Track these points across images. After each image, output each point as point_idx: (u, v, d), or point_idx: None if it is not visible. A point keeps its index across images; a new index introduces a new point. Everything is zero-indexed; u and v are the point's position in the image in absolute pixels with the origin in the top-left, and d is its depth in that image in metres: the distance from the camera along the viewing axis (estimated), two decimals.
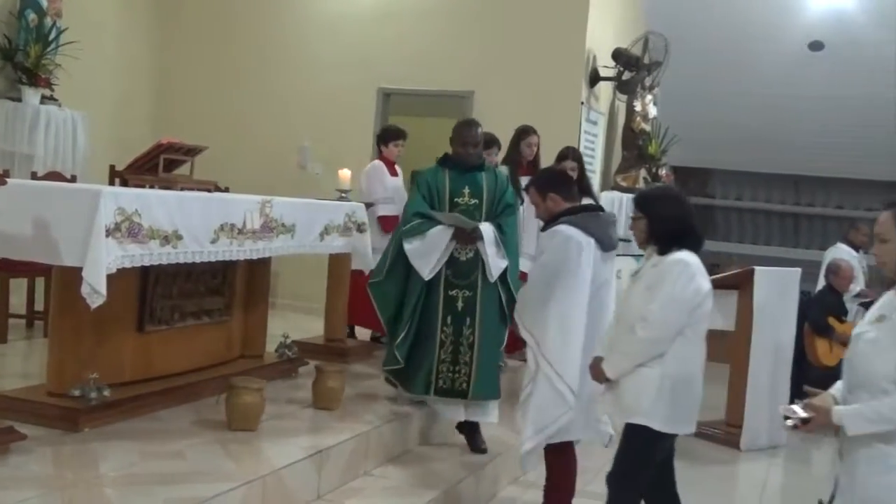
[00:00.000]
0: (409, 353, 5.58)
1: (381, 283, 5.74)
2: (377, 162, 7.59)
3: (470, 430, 5.73)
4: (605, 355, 4.28)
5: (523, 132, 7.45)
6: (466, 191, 5.59)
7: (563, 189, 4.79)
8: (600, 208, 5.09)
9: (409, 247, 5.51)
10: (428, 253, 5.49)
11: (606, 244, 4.68)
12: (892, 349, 2.97)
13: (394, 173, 7.51)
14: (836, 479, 3.14)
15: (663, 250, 4.07)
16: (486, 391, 5.53)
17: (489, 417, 5.65)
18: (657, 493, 4.30)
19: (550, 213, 4.73)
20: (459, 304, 5.52)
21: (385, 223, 7.13)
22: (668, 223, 4.09)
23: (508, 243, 5.56)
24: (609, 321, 4.58)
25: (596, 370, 4.26)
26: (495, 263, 5.48)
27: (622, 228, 7.57)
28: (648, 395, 4.01)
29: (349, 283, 6.99)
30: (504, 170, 6.63)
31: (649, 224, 4.12)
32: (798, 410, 3.06)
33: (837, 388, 3.19)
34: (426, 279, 5.50)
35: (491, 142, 6.99)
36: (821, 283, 8.55)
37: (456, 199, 5.57)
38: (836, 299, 8.00)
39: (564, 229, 4.59)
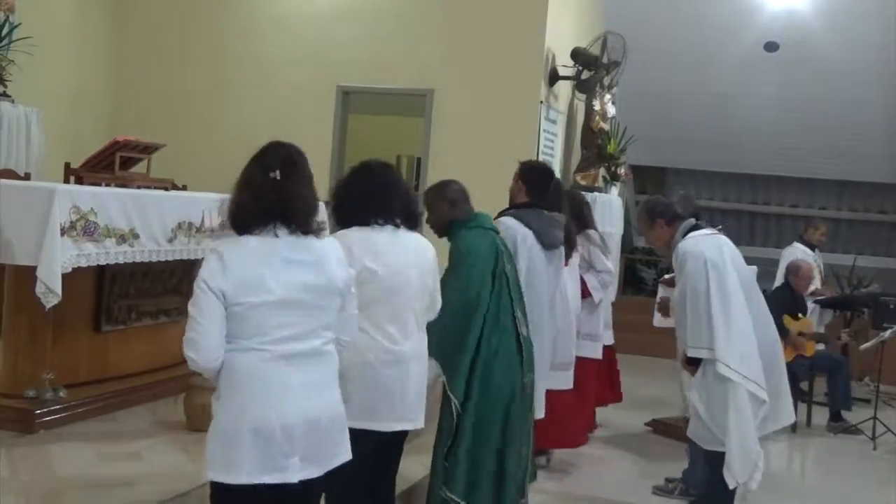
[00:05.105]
0: None
1: None
2: None
3: None
4: None
5: None
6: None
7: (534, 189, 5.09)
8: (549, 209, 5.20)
9: None
10: None
11: (547, 241, 4.93)
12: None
13: None
14: None
15: (340, 228, 3.78)
16: None
17: None
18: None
19: (512, 200, 5.12)
20: None
21: None
22: (340, 201, 3.81)
23: None
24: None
25: None
26: None
27: None
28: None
29: None
30: None
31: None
32: None
33: None
34: None
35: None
36: (778, 282, 8.65)
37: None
38: (791, 297, 8.10)
39: (505, 220, 4.91)
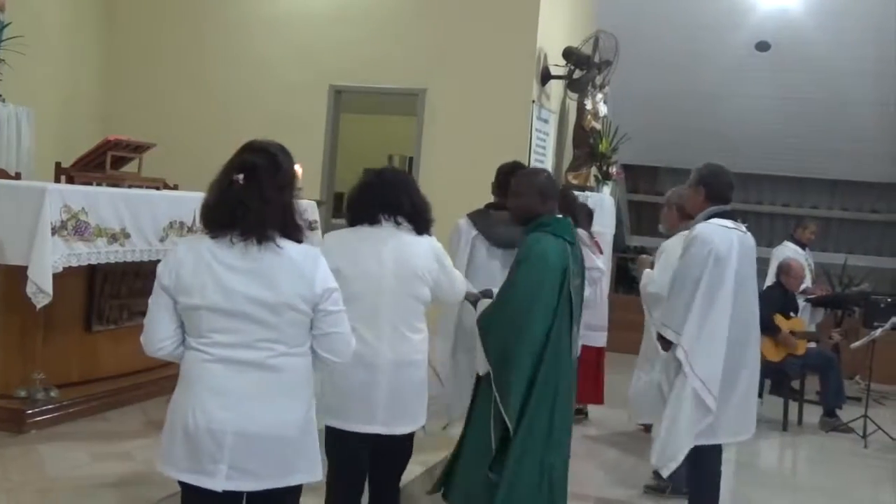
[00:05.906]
0: None
1: None
2: None
3: None
4: None
5: None
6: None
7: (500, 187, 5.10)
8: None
9: None
10: None
11: (493, 240, 4.98)
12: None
13: None
14: None
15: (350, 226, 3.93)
16: None
17: None
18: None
19: None
20: None
21: None
22: (351, 200, 3.91)
23: None
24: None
25: None
26: None
27: None
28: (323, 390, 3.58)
29: None
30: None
31: None
32: None
33: None
34: None
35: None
36: (770, 280, 8.68)
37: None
38: (783, 295, 8.13)
39: (459, 219, 5.12)
